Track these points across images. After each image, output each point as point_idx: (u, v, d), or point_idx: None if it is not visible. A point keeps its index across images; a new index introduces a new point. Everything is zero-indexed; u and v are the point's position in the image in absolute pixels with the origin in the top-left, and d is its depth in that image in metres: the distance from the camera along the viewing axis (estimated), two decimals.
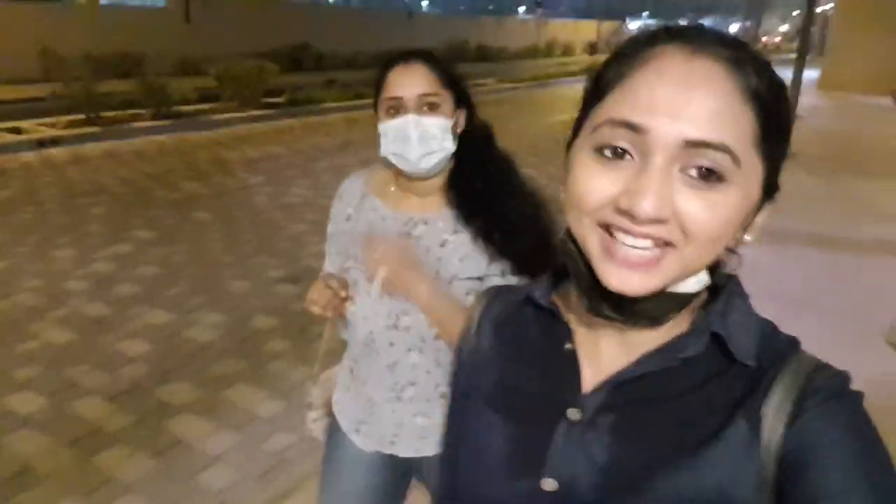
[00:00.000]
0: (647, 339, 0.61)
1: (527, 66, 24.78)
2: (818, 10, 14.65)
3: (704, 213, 0.52)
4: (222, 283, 4.46)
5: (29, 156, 8.30)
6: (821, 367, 0.56)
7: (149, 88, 10.44)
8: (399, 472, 1.45)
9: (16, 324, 3.79)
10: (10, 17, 15.20)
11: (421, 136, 1.24)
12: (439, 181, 1.33)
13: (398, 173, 1.33)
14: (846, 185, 7.24)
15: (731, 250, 0.59)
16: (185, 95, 11.06)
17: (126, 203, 6.31)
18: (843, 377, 0.56)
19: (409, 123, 1.24)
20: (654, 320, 0.59)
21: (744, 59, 0.53)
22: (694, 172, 0.52)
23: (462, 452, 0.72)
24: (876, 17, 16.74)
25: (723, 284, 0.62)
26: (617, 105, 0.54)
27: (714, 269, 0.60)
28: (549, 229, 1.27)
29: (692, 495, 0.55)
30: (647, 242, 0.53)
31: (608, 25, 43.55)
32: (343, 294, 1.32)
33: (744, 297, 0.62)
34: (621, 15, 50.65)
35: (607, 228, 0.54)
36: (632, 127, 0.52)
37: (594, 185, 0.55)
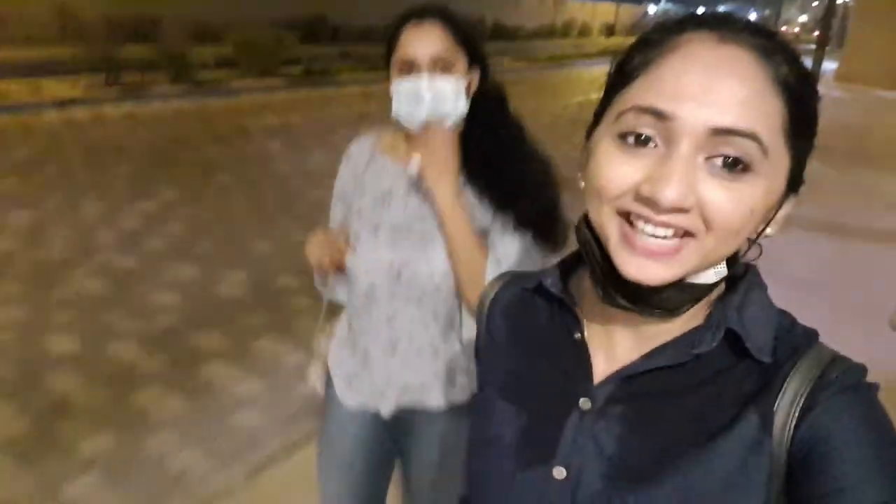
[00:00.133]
0: (661, 331, 0.61)
1: (543, 45, 24.60)
2: (839, 0, 14.51)
3: (728, 203, 0.51)
4: (246, 243, 4.60)
5: (50, 115, 8.43)
6: (836, 360, 0.55)
7: (168, 54, 10.53)
8: (386, 441, 1.45)
9: (50, 272, 3.94)
10: None
11: (434, 98, 1.21)
12: None
13: (408, 133, 1.29)
14: (860, 175, 7.31)
15: (751, 241, 0.58)
16: (203, 62, 11.13)
17: (149, 164, 6.45)
18: (858, 370, 0.55)
19: (422, 84, 1.20)
20: (669, 311, 0.58)
21: (773, 47, 0.52)
22: (719, 161, 0.51)
23: (475, 442, 0.72)
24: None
25: (741, 275, 0.61)
26: (643, 92, 0.53)
27: (733, 259, 0.59)
28: (556, 196, 1.26)
29: (701, 488, 0.55)
30: (667, 231, 0.52)
31: (626, 8, 43.06)
32: (342, 245, 1.32)
33: (762, 288, 0.61)
34: None
35: (627, 217, 0.54)
36: (658, 114, 0.51)
37: (616, 172, 0.54)
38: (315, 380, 1.55)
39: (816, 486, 0.51)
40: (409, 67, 1.21)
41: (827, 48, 11.52)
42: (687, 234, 0.52)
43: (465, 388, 1.32)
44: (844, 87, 16.65)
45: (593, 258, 0.59)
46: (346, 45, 17.12)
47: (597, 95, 0.61)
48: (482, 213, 1.26)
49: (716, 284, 0.58)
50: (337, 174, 1.45)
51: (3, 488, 2.23)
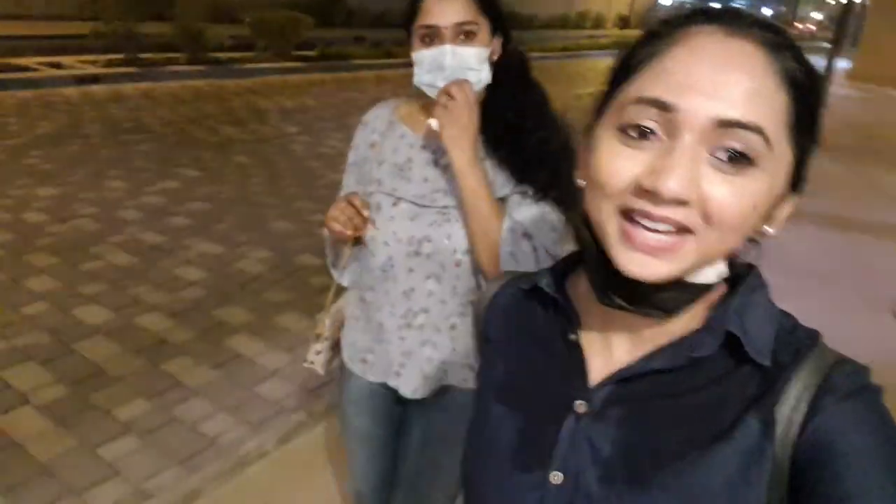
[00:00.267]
0: (659, 333, 0.60)
1: (556, 36, 24.49)
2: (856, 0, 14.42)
3: (730, 198, 0.50)
4: (267, 222, 4.72)
5: (70, 91, 8.55)
6: (839, 363, 0.54)
7: (185, 33, 10.58)
8: (402, 412, 1.46)
9: (77, 246, 4.07)
10: None
11: (457, 67, 1.18)
12: None
13: (430, 103, 1.24)
14: (868, 173, 7.38)
15: (751, 240, 0.57)
16: (220, 41, 11.20)
17: (170, 142, 6.56)
18: (862, 372, 0.54)
19: (445, 53, 1.17)
20: (667, 312, 0.57)
21: (781, 43, 0.52)
22: (723, 155, 0.50)
23: (473, 445, 0.72)
24: None
25: (742, 276, 0.60)
26: (648, 84, 0.52)
27: (733, 261, 0.59)
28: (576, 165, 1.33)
29: (700, 492, 0.54)
30: (667, 227, 0.51)
31: (641, 0, 42.72)
32: (365, 213, 1.29)
33: (764, 288, 0.60)
34: None
35: (627, 215, 0.53)
36: (662, 105, 0.51)
37: (617, 165, 0.53)
38: (315, 360, 1.53)
39: (821, 494, 0.50)
40: (432, 36, 1.18)
41: (841, 47, 11.49)
42: (686, 230, 0.51)
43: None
44: (857, 87, 16.59)
45: (591, 257, 0.59)
46: (360, 30, 17.12)
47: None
48: (500, 184, 1.24)
49: (714, 284, 0.58)
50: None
51: (48, 449, 2.36)
